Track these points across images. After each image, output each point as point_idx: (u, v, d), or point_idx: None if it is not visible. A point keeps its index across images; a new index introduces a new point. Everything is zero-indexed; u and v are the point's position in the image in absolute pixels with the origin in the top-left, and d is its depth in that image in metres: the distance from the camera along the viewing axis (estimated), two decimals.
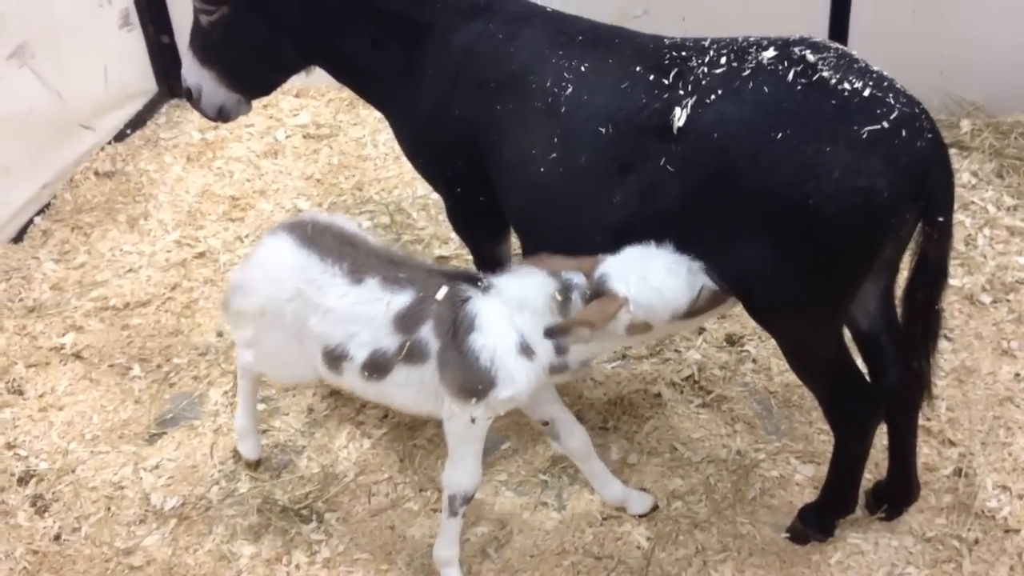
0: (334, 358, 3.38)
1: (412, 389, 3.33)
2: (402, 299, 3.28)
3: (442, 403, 3.30)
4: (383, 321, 3.28)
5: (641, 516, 3.72)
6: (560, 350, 3.25)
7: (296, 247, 3.46)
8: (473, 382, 3.20)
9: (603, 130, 3.14)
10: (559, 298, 3.19)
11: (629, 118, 3.10)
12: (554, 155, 3.24)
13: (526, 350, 3.21)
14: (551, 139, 3.25)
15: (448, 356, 3.23)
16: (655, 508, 3.74)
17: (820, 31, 5.59)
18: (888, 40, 5.40)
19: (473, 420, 3.27)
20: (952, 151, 3.08)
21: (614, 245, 3.18)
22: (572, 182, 3.23)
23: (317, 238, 3.46)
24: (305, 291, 3.37)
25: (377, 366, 3.32)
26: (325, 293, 3.35)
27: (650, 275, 3.04)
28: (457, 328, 3.21)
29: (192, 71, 3.92)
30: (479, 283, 3.29)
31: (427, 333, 3.25)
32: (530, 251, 3.74)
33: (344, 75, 3.89)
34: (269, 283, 3.49)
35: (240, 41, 3.77)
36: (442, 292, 3.26)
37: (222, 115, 4.03)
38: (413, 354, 3.26)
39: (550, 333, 3.15)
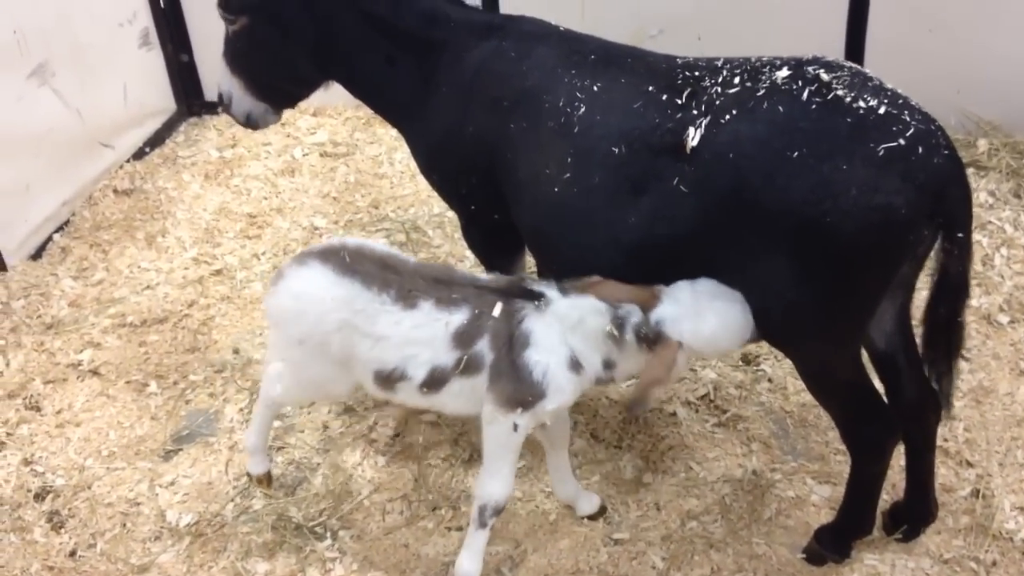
0: (389, 380, 3.42)
1: (464, 397, 3.40)
2: (459, 317, 3.33)
3: (485, 408, 3.36)
4: (443, 340, 3.33)
5: (590, 518, 3.77)
6: (608, 365, 3.32)
7: (336, 277, 3.42)
8: (523, 393, 3.28)
9: (616, 150, 3.14)
10: (615, 333, 3.24)
11: (642, 138, 3.10)
12: (568, 175, 3.24)
13: (575, 365, 3.29)
14: (565, 159, 3.25)
15: (501, 368, 3.29)
16: (603, 511, 3.79)
17: (836, 50, 5.59)
18: (905, 59, 5.41)
19: (515, 427, 3.32)
20: (969, 171, 3.07)
21: (629, 264, 3.19)
22: (586, 202, 3.23)
23: (357, 266, 3.44)
24: (353, 321, 3.38)
25: (436, 381, 3.38)
26: (376, 321, 3.36)
27: (703, 324, 3.14)
28: (513, 343, 3.28)
29: (224, 78, 4.01)
30: (535, 299, 3.31)
31: (483, 346, 3.31)
32: (545, 270, 3.77)
33: (359, 91, 3.92)
34: (310, 316, 3.45)
35: (259, 52, 3.84)
36: (498, 308, 3.31)
37: (251, 123, 4.13)
38: (469, 367, 3.33)
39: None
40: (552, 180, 3.28)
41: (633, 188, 3.12)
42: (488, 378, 3.32)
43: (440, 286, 3.39)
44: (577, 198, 3.25)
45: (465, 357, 3.31)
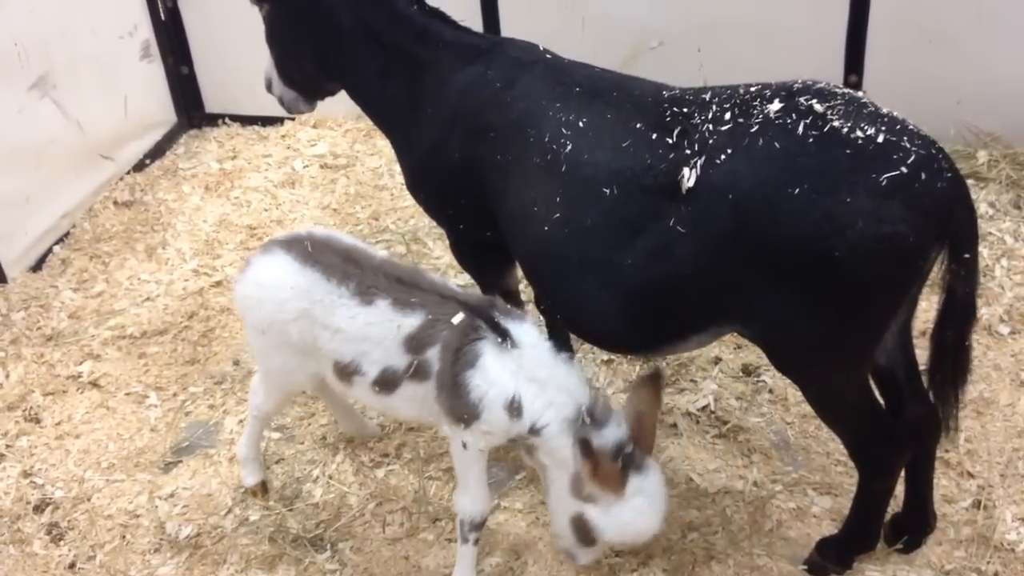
0: (347, 373, 3.43)
1: (416, 403, 3.39)
2: (412, 321, 3.30)
3: (440, 419, 3.36)
4: (394, 342, 3.31)
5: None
6: (534, 431, 3.25)
7: (298, 266, 3.44)
8: (460, 410, 3.25)
9: (607, 191, 3.09)
10: (587, 420, 3.21)
11: (634, 179, 3.05)
12: (558, 215, 3.20)
13: (513, 408, 3.22)
14: (553, 198, 3.21)
15: (444, 380, 3.26)
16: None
17: (836, 61, 5.59)
18: (904, 70, 5.43)
19: (464, 444, 3.31)
20: (969, 182, 3.06)
21: (625, 305, 3.17)
22: (579, 243, 3.19)
23: (318, 256, 3.45)
24: (312, 311, 3.39)
25: (387, 382, 3.37)
26: (334, 313, 3.37)
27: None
28: (458, 358, 3.23)
29: (268, 62, 4.08)
30: (502, 335, 3.24)
31: (432, 355, 3.28)
32: (541, 298, 3.78)
33: (357, 99, 3.95)
34: (271, 304, 3.48)
35: (278, 40, 3.93)
36: (458, 318, 3.27)
37: (284, 106, 4.22)
38: (418, 373, 3.31)
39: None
40: (541, 219, 3.25)
41: (628, 230, 3.07)
42: (435, 388, 3.30)
43: (400, 287, 3.37)
44: (569, 240, 3.20)
45: (415, 362, 3.29)
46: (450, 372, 3.24)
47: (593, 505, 3.25)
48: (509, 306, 3.41)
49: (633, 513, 3.22)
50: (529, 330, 3.31)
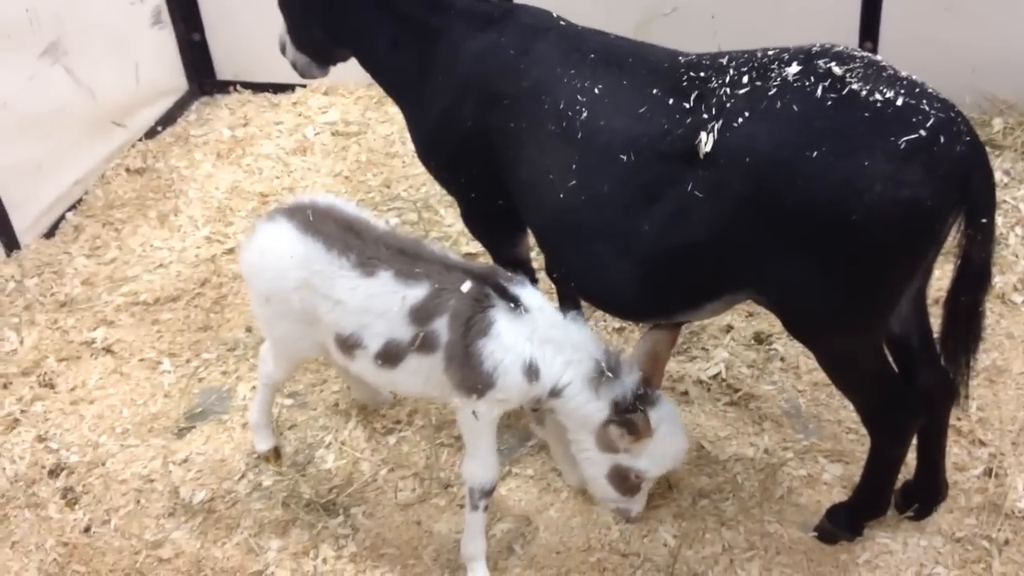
0: (348, 345, 3.40)
1: (421, 377, 3.35)
2: (417, 292, 3.27)
3: (447, 392, 3.34)
4: (398, 314, 3.28)
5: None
6: (555, 393, 3.28)
7: (299, 235, 3.42)
8: (473, 381, 3.23)
9: (624, 157, 3.07)
10: (608, 374, 3.25)
11: (651, 144, 3.03)
12: (574, 183, 3.19)
13: (532, 371, 3.22)
14: (569, 166, 3.19)
15: (455, 351, 3.24)
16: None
17: (851, 28, 5.55)
18: (920, 38, 5.38)
19: (475, 414, 3.29)
20: (986, 151, 3.04)
21: (642, 273, 3.15)
22: (595, 210, 3.17)
23: (320, 225, 3.42)
24: (312, 281, 3.37)
25: (390, 356, 3.33)
26: (334, 284, 3.35)
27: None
28: (469, 328, 3.21)
29: (282, 26, 4.09)
30: (513, 301, 3.25)
31: (440, 325, 3.25)
32: (554, 266, 3.76)
33: (367, 67, 3.94)
34: (272, 272, 3.47)
35: (289, 8, 3.93)
36: (467, 286, 3.24)
37: (297, 70, 4.21)
38: (425, 345, 3.28)
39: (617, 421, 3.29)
40: (557, 187, 3.23)
41: (645, 196, 3.05)
42: (443, 360, 3.27)
43: (403, 258, 3.33)
44: (585, 207, 3.19)
45: (421, 334, 3.26)
46: (461, 343, 3.21)
47: (627, 454, 3.32)
48: (509, 273, 3.40)
49: (663, 443, 3.31)
50: (533, 293, 3.32)
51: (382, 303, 3.29)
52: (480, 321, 3.21)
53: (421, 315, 3.26)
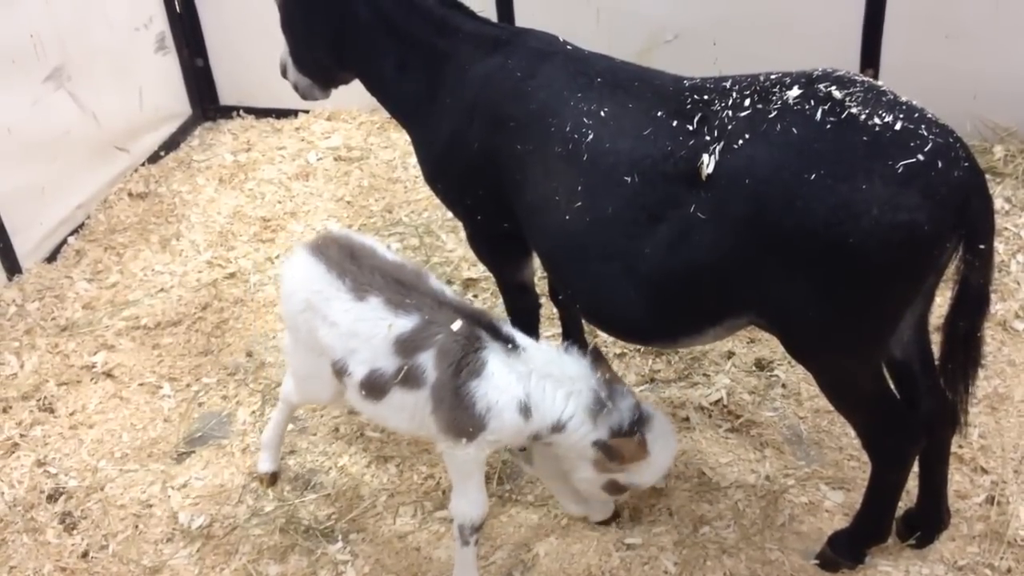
0: (338, 371, 3.42)
1: (406, 413, 3.34)
2: (405, 323, 3.28)
3: (433, 434, 3.32)
4: (383, 341, 3.28)
5: (602, 523, 3.75)
6: (557, 428, 3.28)
7: (307, 259, 3.49)
8: (464, 423, 3.21)
9: (628, 179, 3.09)
10: (607, 404, 3.26)
11: (655, 166, 3.05)
12: (579, 204, 3.20)
13: (525, 410, 3.22)
14: (575, 187, 3.21)
15: (443, 393, 3.23)
16: (616, 516, 3.76)
17: (852, 55, 5.57)
18: (921, 65, 5.40)
19: (465, 455, 3.29)
20: (985, 177, 3.05)
21: (645, 294, 3.15)
22: (600, 232, 3.19)
23: (324, 250, 3.48)
24: (312, 301, 3.41)
25: (374, 386, 3.33)
26: (331, 305, 3.38)
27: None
28: (461, 368, 3.20)
29: (283, 48, 4.10)
30: (506, 341, 3.26)
31: (426, 361, 3.24)
32: (559, 288, 3.76)
33: (373, 90, 3.94)
34: (284, 296, 3.56)
35: (292, 27, 3.94)
36: (457, 325, 3.25)
37: (299, 93, 4.22)
38: (409, 379, 3.27)
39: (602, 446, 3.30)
40: (562, 208, 3.25)
41: (648, 218, 3.07)
42: (430, 400, 3.26)
43: (397, 287, 3.35)
44: (590, 228, 3.20)
45: (405, 367, 3.25)
46: (450, 385, 3.21)
47: (623, 472, 3.37)
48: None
49: (657, 457, 3.37)
50: (520, 332, 3.35)
51: (368, 328, 3.30)
52: (472, 362, 3.20)
53: (407, 347, 3.26)
